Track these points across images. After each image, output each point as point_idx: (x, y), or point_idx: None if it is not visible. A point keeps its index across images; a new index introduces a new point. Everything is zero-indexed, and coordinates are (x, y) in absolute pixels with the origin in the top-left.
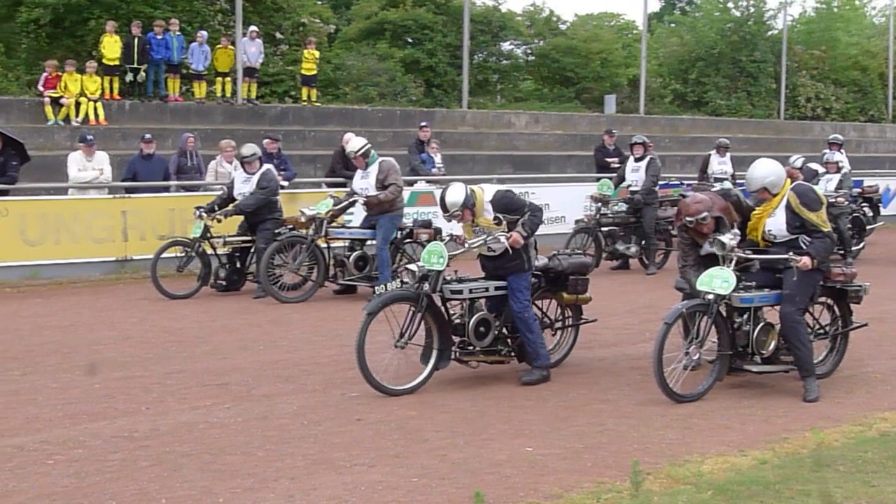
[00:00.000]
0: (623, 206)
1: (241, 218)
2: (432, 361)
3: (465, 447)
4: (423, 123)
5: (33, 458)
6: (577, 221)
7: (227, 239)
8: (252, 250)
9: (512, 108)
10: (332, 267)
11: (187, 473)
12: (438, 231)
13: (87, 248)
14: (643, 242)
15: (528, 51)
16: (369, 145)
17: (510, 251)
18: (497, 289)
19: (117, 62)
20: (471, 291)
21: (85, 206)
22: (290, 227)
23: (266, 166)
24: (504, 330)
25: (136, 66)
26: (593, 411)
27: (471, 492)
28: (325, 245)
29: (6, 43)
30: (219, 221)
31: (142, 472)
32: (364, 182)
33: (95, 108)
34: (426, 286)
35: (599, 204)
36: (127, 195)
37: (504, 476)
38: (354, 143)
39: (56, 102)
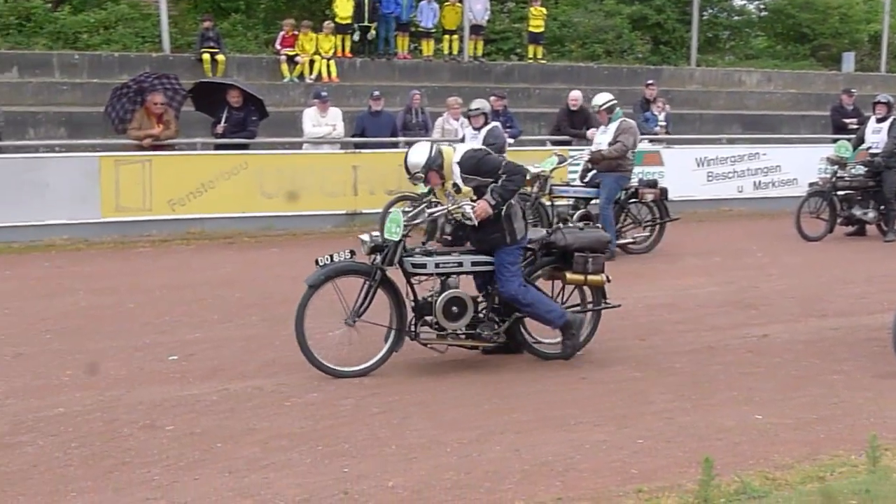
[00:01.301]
0: (861, 170)
1: None
2: (389, 342)
3: (692, 411)
4: (649, 81)
5: (271, 399)
6: (810, 184)
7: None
8: None
9: (743, 66)
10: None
11: (416, 422)
12: (665, 192)
13: (319, 201)
14: (882, 208)
15: (762, 6)
16: (615, 101)
17: (489, 221)
18: (476, 264)
19: (349, 20)
20: (437, 266)
21: (318, 160)
22: None
23: (493, 123)
24: (492, 312)
25: (366, 24)
26: (826, 382)
27: (697, 456)
28: (548, 203)
29: (246, 3)
30: None
31: (372, 419)
32: (602, 137)
33: (328, 66)
34: (378, 258)
35: (836, 167)
36: (357, 150)
37: (733, 443)
38: (601, 97)
39: (291, 60)
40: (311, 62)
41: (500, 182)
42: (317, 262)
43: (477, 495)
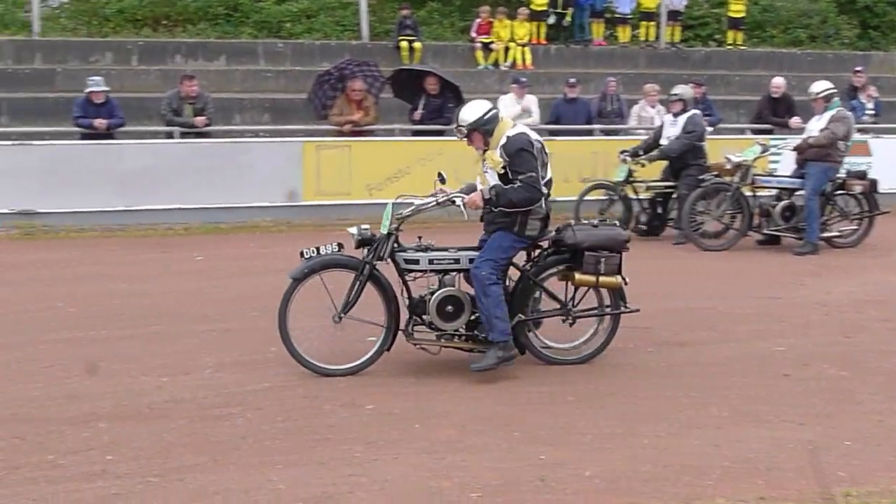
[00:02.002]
0: None
1: (665, 163)
2: (379, 341)
3: None
4: (857, 68)
5: (467, 383)
6: None
7: (650, 184)
8: (674, 196)
9: None
10: (757, 216)
11: (612, 412)
12: (874, 183)
13: None
14: None
15: None
16: (834, 90)
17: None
18: (473, 261)
19: (544, 7)
20: (431, 262)
21: None
22: (715, 173)
23: (693, 111)
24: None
25: (561, 10)
26: None
27: None
28: (750, 193)
29: None
30: (643, 166)
31: (568, 407)
32: (815, 125)
33: (523, 53)
34: (367, 253)
35: None
36: (551, 138)
37: None
38: (818, 84)
39: (486, 48)
40: (506, 49)
41: (516, 184)
42: (302, 255)
43: (675, 489)
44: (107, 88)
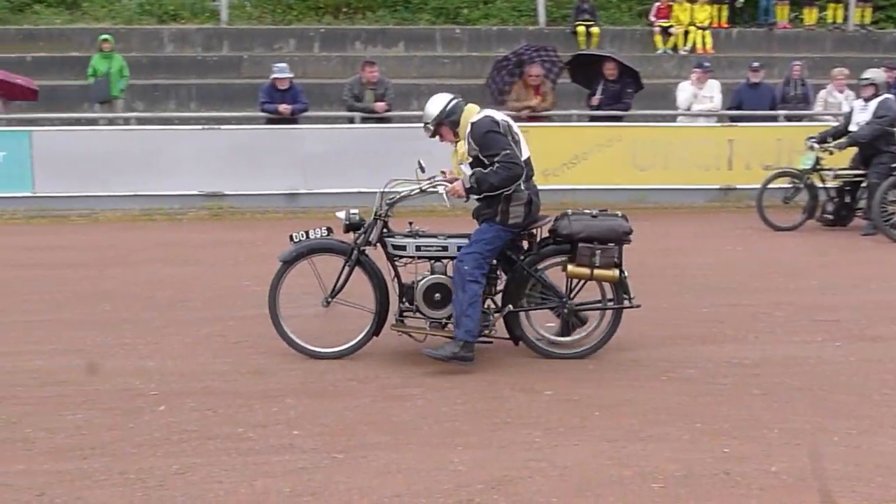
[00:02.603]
0: None
1: (855, 150)
2: (367, 327)
3: None
4: None
5: (648, 373)
6: None
7: (838, 172)
8: (863, 185)
9: None
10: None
11: (799, 407)
12: None
13: (693, 174)
14: None
15: None
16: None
17: (488, 197)
18: (461, 248)
19: None
20: (418, 249)
21: (693, 133)
22: None
23: (885, 95)
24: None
25: None
26: None
27: None
28: None
29: None
30: (831, 153)
31: (752, 400)
32: None
33: (703, 37)
34: (356, 237)
35: None
36: (733, 124)
37: None
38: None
39: (665, 32)
40: (686, 33)
41: (494, 166)
42: (291, 238)
43: (868, 489)
44: (291, 75)
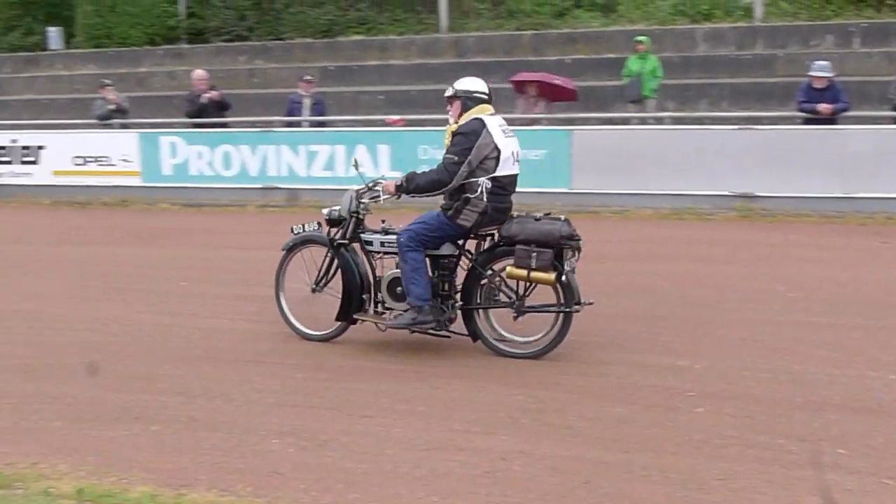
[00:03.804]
0: None
1: None
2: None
3: None
4: None
5: None
6: None
7: None
8: None
9: None
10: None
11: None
12: None
13: None
14: None
15: None
16: None
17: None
18: None
19: None
20: (382, 245)
21: None
22: None
23: None
24: (436, 297)
25: None
26: None
27: None
28: None
29: None
30: None
31: None
32: None
33: None
34: (334, 232)
35: None
36: None
37: None
38: None
39: None
40: None
41: (424, 171)
42: (291, 230)
43: None
44: (830, 74)
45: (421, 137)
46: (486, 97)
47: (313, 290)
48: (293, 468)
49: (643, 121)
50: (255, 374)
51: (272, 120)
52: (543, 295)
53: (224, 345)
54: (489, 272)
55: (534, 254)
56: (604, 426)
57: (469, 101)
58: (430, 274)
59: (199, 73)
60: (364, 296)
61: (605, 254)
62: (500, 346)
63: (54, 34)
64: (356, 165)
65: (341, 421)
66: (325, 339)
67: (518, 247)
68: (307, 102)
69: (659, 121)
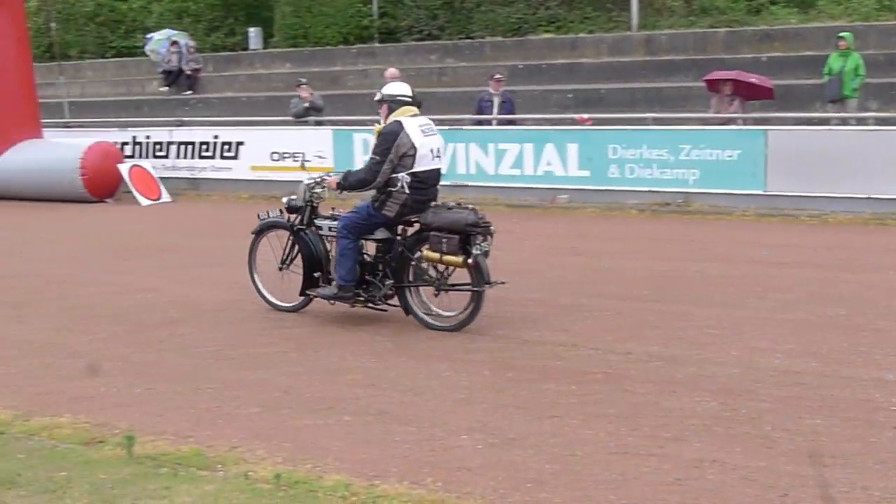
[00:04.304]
0: None
1: None
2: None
3: None
4: None
5: None
6: None
7: None
8: None
9: None
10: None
11: None
12: None
13: None
14: None
15: None
16: None
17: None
18: None
19: None
20: (330, 229)
21: None
22: None
23: None
24: (374, 276)
25: None
26: None
27: None
28: None
29: None
30: None
31: None
32: None
33: None
34: (294, 218)
35: None
36: None
37: None
38: None
39: None
40: None
41: (357, 168)
42: (258, 216)
43: None
44: None
45: (610, 136)
46: (409, 100)
47: (280, 269)
48: (482, 465)
49: (844, 121)
50: (443, 369)
51: (462, 118)
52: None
53: (413, 339)
54: (416, 255)
55: (444, 239)
56: (800, 438)
57: (394, 103)
58: (359, 259)
59: (391, 71)
60: (316, 274)
61: (804, 260)
62: (428, 319)
63: (254, 34)
64: (303, 165)
65: (529, 420)
66: (293, 311)
67: (432, 233)
68: (496, 101)
69: (861, 121)
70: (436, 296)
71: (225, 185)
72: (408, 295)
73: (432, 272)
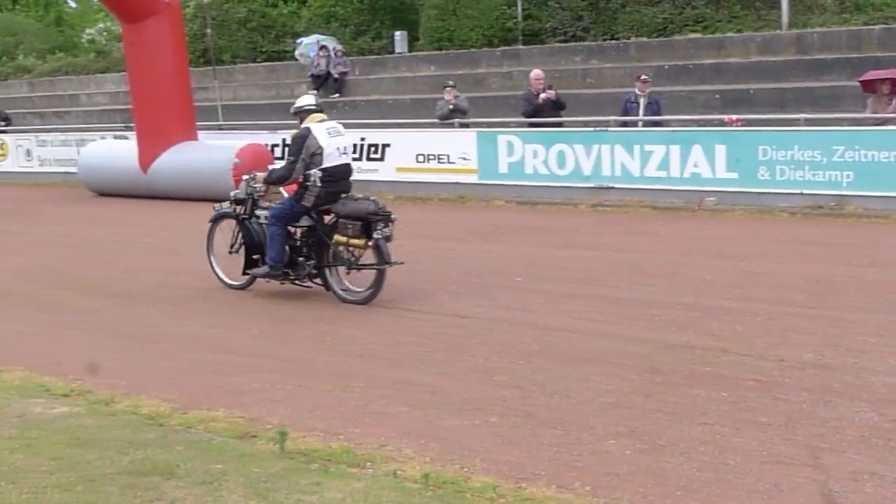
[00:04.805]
0: None
1: None
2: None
3: None
4: None
5: None
6: None
7: None
8: None
9: None
10: None
11: None
12: None
13: None
14: None
15: None
16: None
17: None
18: None
19: None
20: (265, 218)
21: None
22: None
23: None
24: (301, 257)
25: None
26: None
27: None
28: None
29: None
30: None
31: None
32: None
33: None
34: (240, 209)
35: None
36: None
37: None
38: None
39: None
40: None
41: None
42: (213, 208)
43: None
44: None
45: (760, 137)
46: (314, 108)
47: (230, 252)
48: (630, 470)
49: None
50: (590, 372)
51: (607, 119)
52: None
53: (558, 341)
54: (332, 239)
55: (349, 225)
56: None
57: (303, 113)
58: (286, 244)
59: (536, 72)
60: (255, 256)
61: None
62: (344, 294)
63: (400, 38)
64: (235, 164)
65: (678, 426)
66: (241, 288)
67: (340, 220)
68: (642, 102)
69: None
70: (348, 273)
71: (370, 187)
72: (327, 273)
73: (346, 254)
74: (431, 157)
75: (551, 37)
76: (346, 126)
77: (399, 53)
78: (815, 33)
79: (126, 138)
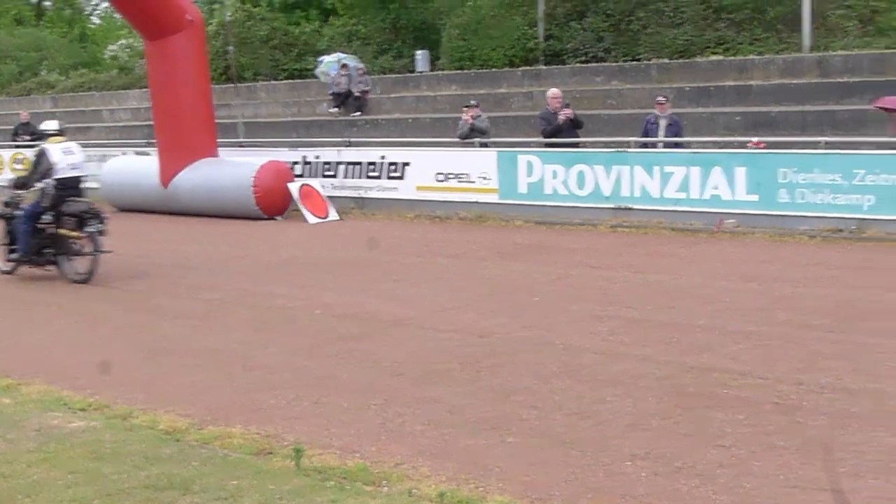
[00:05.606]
0: None
1: None
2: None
3: None
4: None
5: None
6: None
7: None
8: None
9: None
10: None
11: None
12: None
13: None
14: None
15: None
16: None
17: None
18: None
19: None
20: (16, 217)
21: None
22: None
23: None
24: (44, 248)
25: None
26: None
27: None
28: None
29: None
30: None
31: None
32: None
33: None
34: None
35: None
36: None
37: None
38: None
39: None
40: None
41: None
42: None
43: None
44: None
45: (781, 160)
46: (54, 132)
47: (2, 245)
48: (647, 493)
49: None
50: (609, 394)
51: (627, 140)
52: None
53: (577, 362)
54: (63, 233)
55: (69, 221)
56: None
57: (47, 136)
58: (34, 237)
59: (553, 91)
60: (14, 247)
61: None
62: (73, 276)
63: (421, 57)
64: (11, 168)
65: (696, 449)
66: (9, 273)
67: (64, 217)
68: (662, 123)
69: None
70: (70, 260)
71: (390, 205)
72: (62, 261)
73: (72, 244)
74: (451, 175)
75: (572, 57)
76: (367, 144)
77: (420, 72)
78: (837, 57)
79: (147, 154)
